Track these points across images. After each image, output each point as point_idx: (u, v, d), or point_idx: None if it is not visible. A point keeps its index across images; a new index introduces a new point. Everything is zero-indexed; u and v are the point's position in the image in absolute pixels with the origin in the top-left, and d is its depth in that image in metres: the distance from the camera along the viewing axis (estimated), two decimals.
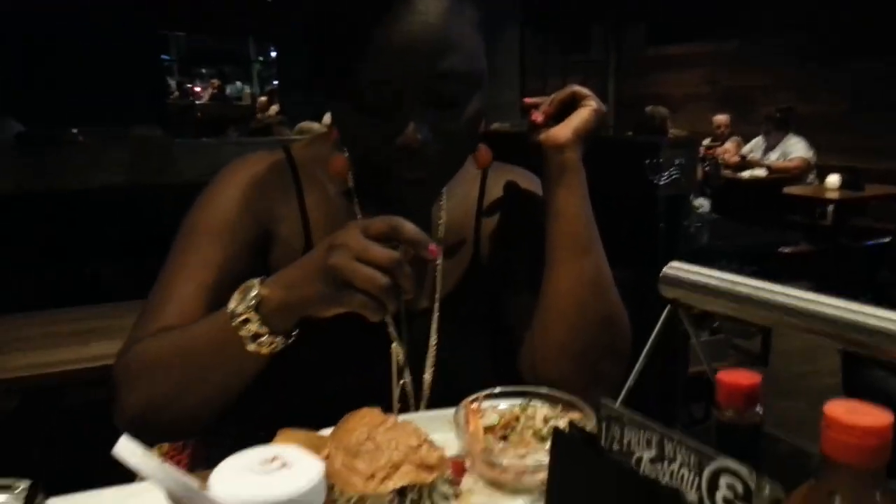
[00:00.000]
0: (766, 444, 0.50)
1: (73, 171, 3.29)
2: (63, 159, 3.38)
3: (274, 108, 8.47)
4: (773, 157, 5.77)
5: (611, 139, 4.59)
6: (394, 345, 0.88)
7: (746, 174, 5.70)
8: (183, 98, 10.23)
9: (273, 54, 10.32)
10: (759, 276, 0.50)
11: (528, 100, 0.90)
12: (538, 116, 0.87)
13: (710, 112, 6.95)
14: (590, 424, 0.67)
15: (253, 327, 0.72)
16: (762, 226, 4.29)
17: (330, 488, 0.61)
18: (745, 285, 0.50)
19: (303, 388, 0.84)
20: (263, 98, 9.39)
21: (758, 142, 6.02)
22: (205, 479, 0.43)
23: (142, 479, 0.82)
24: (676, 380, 2.26)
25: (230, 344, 0.74)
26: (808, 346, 3.54)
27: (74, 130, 4.40)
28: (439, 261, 0.93)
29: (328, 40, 0.78)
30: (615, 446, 0.47)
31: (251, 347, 0.73)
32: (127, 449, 0.36)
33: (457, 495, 0.64)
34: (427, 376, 0.90)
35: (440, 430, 0.72)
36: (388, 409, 0.78)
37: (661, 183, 3.06)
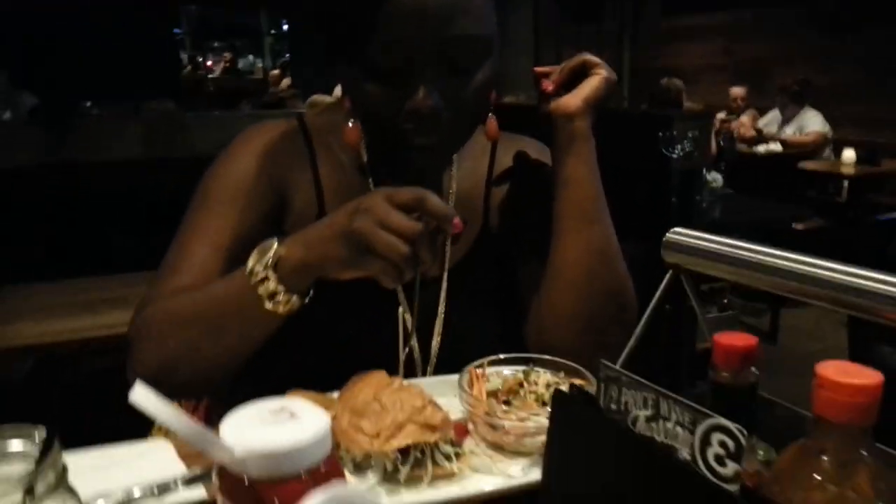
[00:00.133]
0: (763, 409, 0.51)
1: (87, 145, 3.32)
2: (77, 133, 3.41)
3: (286, 82, 8.45)
4: (789, 131, 5.69)
5: (624, 112, 4.55)
6: (401, 310, 0.89)
7: (762, 148, 5.63)
8: (195, 72, 10.22)
9: (285, 27, 10.26)
10: None
11: (538, 69, 0.90)
12: (549, 85, 0.87)
13: (726, 84, 6.85)
14: (591, 390, 0.68)
15: (271, 286, 0.74)
16: (776, 201, 4.26)
17: (336, 447, 0.63)
18: (746, 250, 0.50)
19: (312, 352, 0.86)
20: (275, 71, 9.36)
21: (774, 115, 5.94)
22: (216, 435, 0.44)
23: (152, 437, 0.85)
24: (681, 354, 2.27)
25: (247, 302, 0.75)
26: (818, 324, 3.54)
27: (88, 104, 4.43)
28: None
29: (340, 6, 0.79)
30: (613, 406, 0.48)
31: (268, 306, 0.74)
32: (143, 395, 0.38)
33: (459, 456, 0.65)
34: (434, 343, 0.91)
35: (444, 395, 0.73)
36: (394, 373, 0.79)
37: (675, 156, 3.04)
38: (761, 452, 0.50)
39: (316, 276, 0.75)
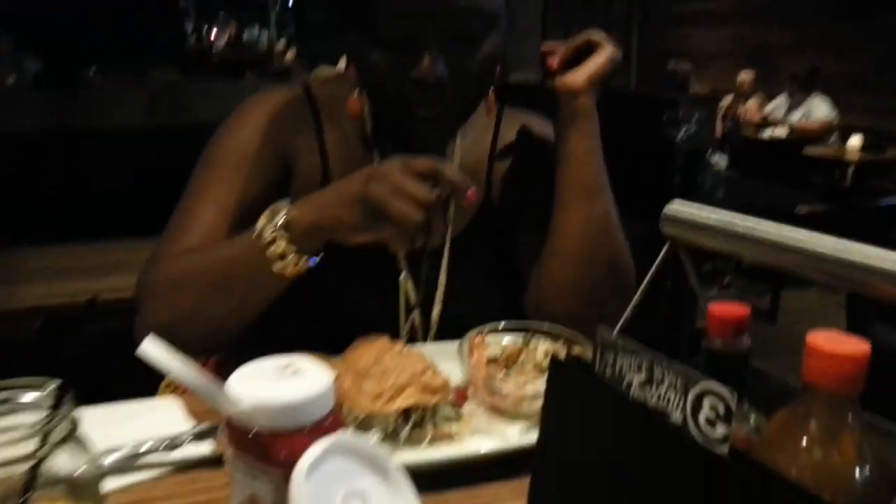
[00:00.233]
0: (756, 380, 0.53)
1: (90, 111, 3.32)
2: (81, 99, 3.41)
3: (291, 54, 8.39)
4: (796, 116, 5.67)
5: (630, 93, 4.53)
6: (402, 277, 0.91)
7: (767, 133, 5.62)
8: (199, 43, 10.14)
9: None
10: None
11: (544, 46, 0.91)
12: (554, 62, 0.88)
13: (735, 69, 6.80)
14: (588, 357, 0.70)
15: (280, 247, 0.75)
16: (780, 186, 4.26)
17: (339, 407, 0.64)
18: (741, 223, 0.51)
19: (316, 316, 0.88)
20: (281, 43, 9.29)
21: (781, 101, 5.91)
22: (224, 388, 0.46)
23: (160, 395, 0.87)
24: (681, 331, 2.28)
25: (256, 263, 0.76)
26: (818, 305, 3.56)
27: (92, 71, 4.42)
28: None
29: None
30: (608, 372, 0.50)
31: (276, 267, 0.76)
32: (153, 349, 0.39)
33: (458, 418, 0.67)
34: (435, 312, 0.93)
35: (445, 362, 0.75)
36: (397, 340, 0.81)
37: (679, 138, 3.04)
38: (752, 420, 0.51)
39: (326, 238, 0.76)
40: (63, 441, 0.47)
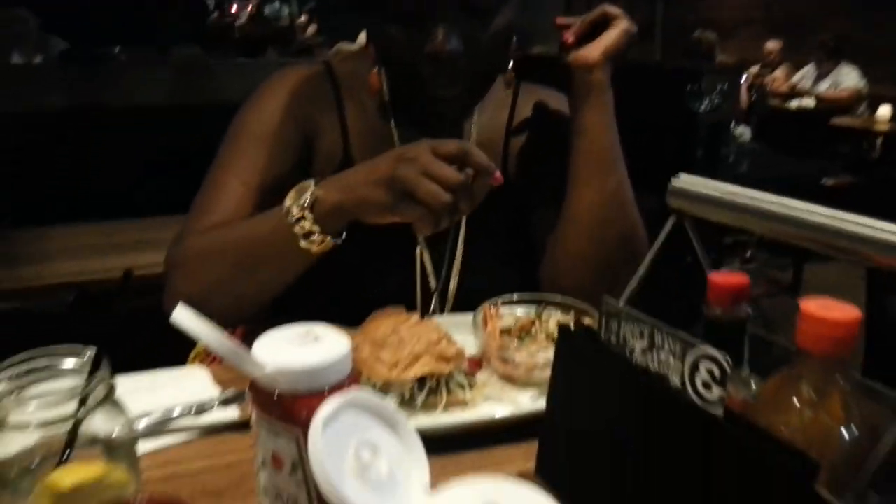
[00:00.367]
0: (761, 347, 0.54)
1: (114, 89, 3.37)
2: (107, 77, 3.45)
3: (312, 29, 8.37)
4: (824, 86, 5.56)
5: (653, 64, 4.48)
6: (419, 250, 0.94)
7: (794, 104, 5.52)
8: (221, 18, 10.14)
9: None
10: None
11: (560, 20, 0.92)
12: (569, 36, 0.89)
13: (762, 39, 6.67)
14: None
15: (306, 225, 0.77)
16: (806, 157, 4.19)
17: (357, 375, 0.67)
18: (745, 196, 0.53)
19: (336, 292, 0.90)
20: (302, 19, 9.27)
21: (808, 70, 5.80)
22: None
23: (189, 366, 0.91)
24: (692, 306, 2.28)
25: (283, 240, 0.78)
26: (840, 280, 3.52)
27: (116, 49, 4.46)
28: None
29: None
30: (613, 339, 0.52)
31: (303, 245, 0.78)
32: (184, 316, 0.42)
33: (472, 386, 0.70)
34: (452, 286, 0.95)
35: (459, 333, 0.77)
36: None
37: (702, 110, 3.01)
38: (753, 385, 0.53)
39: (351, 219, 0.78)
40: (100, 403, 0.51)
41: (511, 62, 0.93)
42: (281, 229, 0.78)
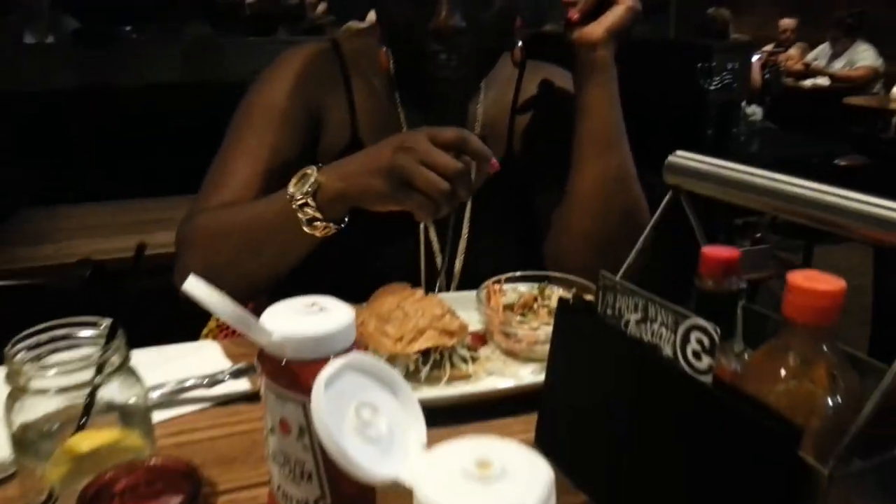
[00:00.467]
0: (756, 321, 0.56)
1: (126, 69, 3.39)
2: (118, 57, 3.47)
3: (322, 7, 8.32)
4: (839, 65, 5.50)
5: (664, 41, 4.43)
6: (423, 229, 0.95)
7: (808, 83, 5.46)
8: None
9: None
10: None
11: None
12: (574, 14, 0.89)
13: (778, 16, 6.58)
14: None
15: (309, 211, 0.79)
16: (819, 137, 4.15)
17: (363, 348, 0.69)
18: (741, 172, 0.54)
19: (341, 274, 0.92)
20: None
21: (823, 49, 5.73)
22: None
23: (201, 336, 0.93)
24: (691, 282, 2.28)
25: (288, 223, 0.80)
26: (851, 263, 3.51)
27: (128, 28, 4.47)
28: None
29: None
30: (609, 312, 0.53)
31: (306, 229, 0.80)
32: (196, 286, 0.44)
33: (474, 360, 0.72)
34: (457, 264, 0.97)
35: (463, 309, 0.79)
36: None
37: (713, 88, 2.99)
38: (746, 357, 0.55)
39: (352, 206, 0.80)
40: (116, 371, 0.53)
41: (519, 41, 0.94)
42: (285, 212, 0.80)
